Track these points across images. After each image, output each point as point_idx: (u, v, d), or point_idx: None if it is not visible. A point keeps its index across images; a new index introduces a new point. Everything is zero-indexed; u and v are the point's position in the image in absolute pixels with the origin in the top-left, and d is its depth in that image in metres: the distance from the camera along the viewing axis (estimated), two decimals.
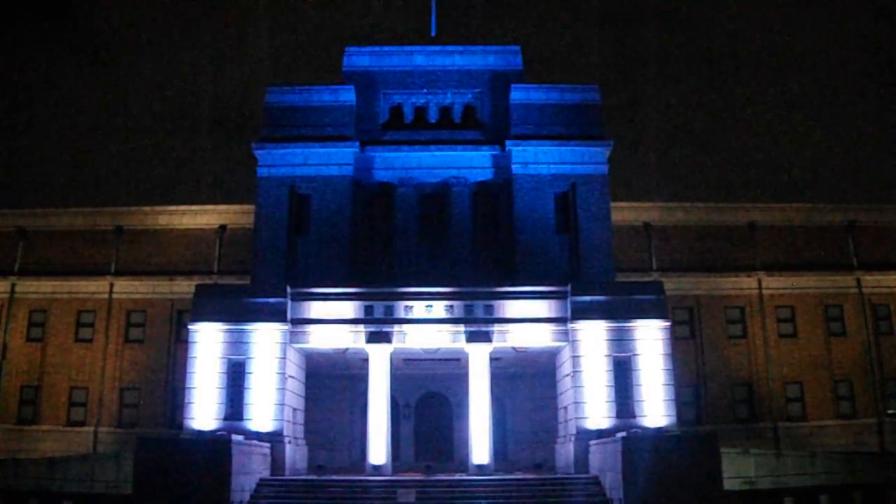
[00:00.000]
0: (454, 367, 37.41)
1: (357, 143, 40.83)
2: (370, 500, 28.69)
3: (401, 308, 34.14)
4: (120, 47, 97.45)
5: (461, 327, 33.87)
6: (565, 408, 34.77)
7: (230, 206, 45.10)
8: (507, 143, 40.59)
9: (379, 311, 34.10)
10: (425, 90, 43.26)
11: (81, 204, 49.81)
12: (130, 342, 42.90)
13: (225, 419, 32.31)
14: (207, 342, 33.24)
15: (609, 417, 32.16)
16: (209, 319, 33.42)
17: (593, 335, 33.19)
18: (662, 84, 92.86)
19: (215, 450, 26.64)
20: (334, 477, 32.31)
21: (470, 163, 41.40)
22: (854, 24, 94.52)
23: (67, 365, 42.65)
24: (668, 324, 33.59)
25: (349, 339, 33.93)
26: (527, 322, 33.97)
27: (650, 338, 33.13)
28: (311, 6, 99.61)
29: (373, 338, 33.73)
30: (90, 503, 28.92)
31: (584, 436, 31.98)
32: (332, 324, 34.01)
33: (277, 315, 33.51)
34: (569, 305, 33.77)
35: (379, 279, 38.69)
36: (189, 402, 32.76)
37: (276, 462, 32.02)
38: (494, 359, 34.76)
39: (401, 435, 39.18)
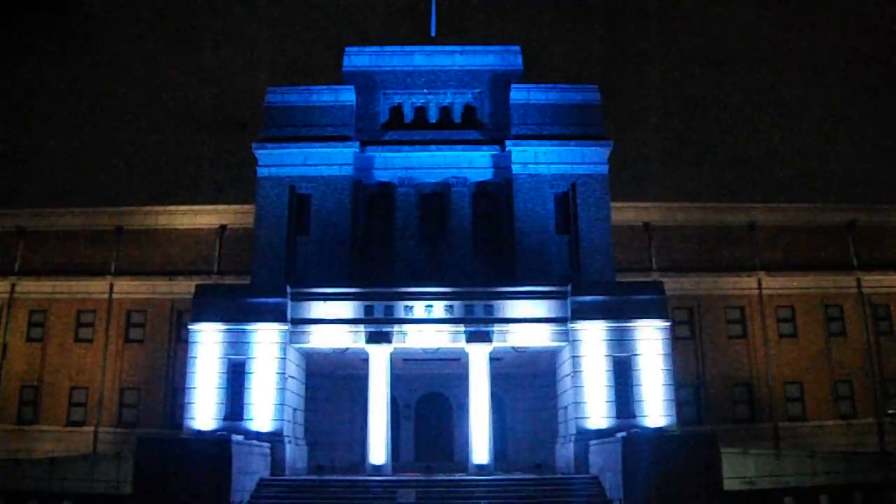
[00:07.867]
0: (454, 367, 37.39)
1: (357, 143, 40.82)
2: (370, 500, 28.68)
3: (401, 308, 34.14)
4: (120, 47, 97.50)
5: (461, 327, 33.89)
6: (565, 408, 34.77)
7: (230, 206, 45.09)
8: (507, 143, 40.58)
9: (379, 312, 34.11)
10: (425, 90, 43.23)
11: (81, 204, 49.69)
12: (130, 342, 42.91)
13: (225, 419, 32.32)
14: (207, 342, 33.25)
15: (609, 417, 32.16)
16: (209, 319, 33.44)
17: (593, 335, 33.20)
18: (662, 84, 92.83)
19: (215, 450, 26.65)
20: (334, 477, 32.34)
21: (470, 163, 41.38)
22: (854, 23, 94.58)
23: (67, 365, 42.65)
24: (668, 324, 33.60)
25: (349, 339, 33.94)
26: (527, 322, 33.98)
27: (650, 338, 33.14)
28: (311, 6, 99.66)
29: (373, 338, 33.74)
30: (90, 503, 28.90)
31: (584, 436, 31.97)
32: (333, 324, 34.00)
33: (277, 315, 33.52)
34: (569, 305, 33.78)
35: (379, 279, 38.66)
36: (189, 402, 32.76)
37: (276, 462, 31.99)
38: (494, 359, 34.75)
39: (401, 435, 39.17)
